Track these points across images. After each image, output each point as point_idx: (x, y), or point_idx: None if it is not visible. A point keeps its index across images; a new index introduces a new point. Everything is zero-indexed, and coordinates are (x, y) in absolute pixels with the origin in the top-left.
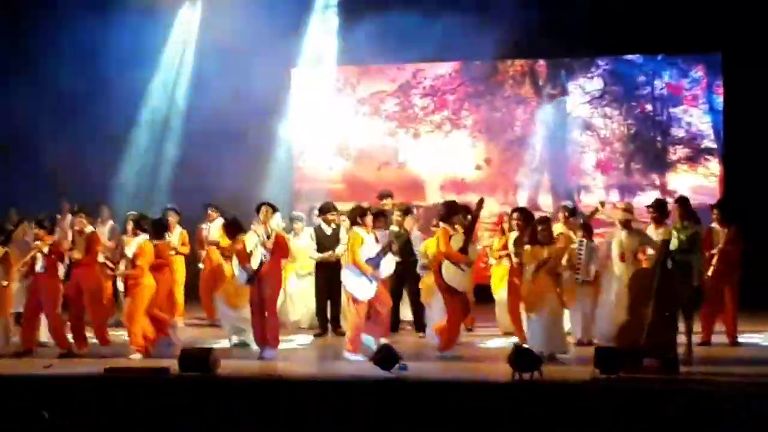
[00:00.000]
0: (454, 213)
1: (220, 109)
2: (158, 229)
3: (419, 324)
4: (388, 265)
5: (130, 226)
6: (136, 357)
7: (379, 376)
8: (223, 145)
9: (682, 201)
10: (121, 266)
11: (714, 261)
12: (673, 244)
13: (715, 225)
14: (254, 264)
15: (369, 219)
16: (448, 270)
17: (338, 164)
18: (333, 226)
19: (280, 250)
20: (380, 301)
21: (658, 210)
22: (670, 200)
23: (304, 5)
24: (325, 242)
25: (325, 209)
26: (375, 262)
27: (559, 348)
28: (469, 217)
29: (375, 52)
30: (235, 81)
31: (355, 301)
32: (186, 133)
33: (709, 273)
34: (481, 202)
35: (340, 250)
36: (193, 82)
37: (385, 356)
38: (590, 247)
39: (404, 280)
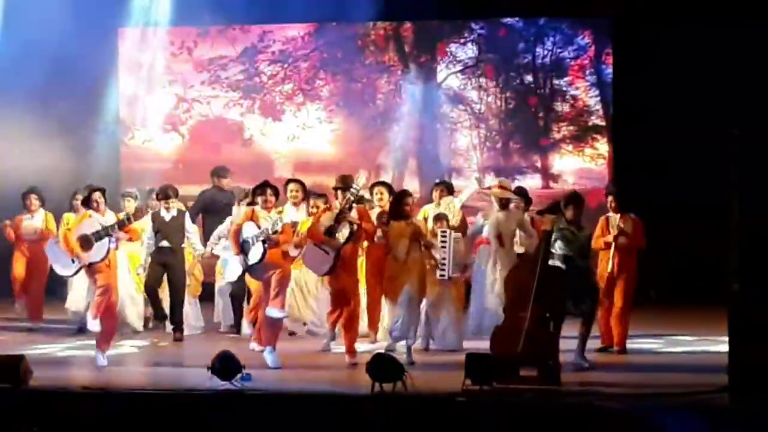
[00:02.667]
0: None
1: (29, 75)
2: None
3: None
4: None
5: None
6: None
7: (218, 387)
8: (33, 119)
9: (580, 201)
10: None
11: (611, 255)
12: (563, 248)
13: (611, 214)
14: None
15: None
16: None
17: (172, 141)
18: (173, 212)
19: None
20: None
21: (523, 198)
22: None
23: None
24: (165, 230)
25: (164, 194)
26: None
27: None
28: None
29: (216, 10)
30: (49, 40)
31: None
32: None
33: (608, 269)
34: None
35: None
36: None
37: (224, 364)
38: (454, 239)
39: None
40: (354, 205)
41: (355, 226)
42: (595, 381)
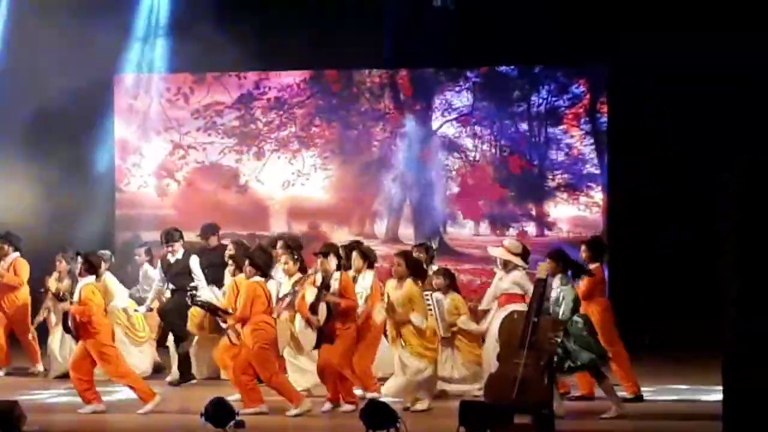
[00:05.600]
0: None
1: (22, 120)
2: None
3: None
4: None
5: None
6: None
7: None
8: (25, 166)
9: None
10: None
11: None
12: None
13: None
14: None
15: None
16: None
17: (168, 187)
18: (177, 256)
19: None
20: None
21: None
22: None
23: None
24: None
25: (171, 237)
26: None
27: None
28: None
29: (212, 57)
30: (44, 86)
31: None
32: None
33: None
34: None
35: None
36: None
37: (217, 411)
38: (437, 300)
39: None
40: (340, 276)
41: (333, 306)
42: (589, 430)
